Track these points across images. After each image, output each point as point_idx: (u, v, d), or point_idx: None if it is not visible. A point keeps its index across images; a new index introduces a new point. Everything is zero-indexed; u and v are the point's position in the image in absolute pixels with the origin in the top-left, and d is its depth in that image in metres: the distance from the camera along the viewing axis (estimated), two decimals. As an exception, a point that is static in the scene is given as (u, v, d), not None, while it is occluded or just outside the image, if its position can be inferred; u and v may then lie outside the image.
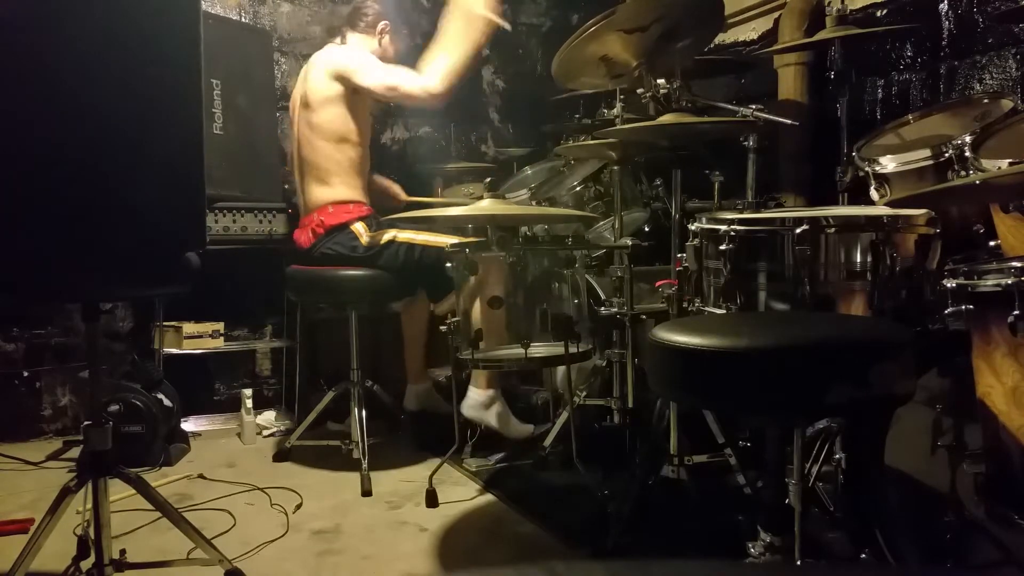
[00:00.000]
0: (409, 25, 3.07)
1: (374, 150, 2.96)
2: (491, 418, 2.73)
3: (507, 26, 2.74)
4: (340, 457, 2.69)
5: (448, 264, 2.36)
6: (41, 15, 1.42)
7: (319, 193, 2.78)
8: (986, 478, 1.55)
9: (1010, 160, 1.80)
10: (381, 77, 2.71)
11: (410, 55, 2.89)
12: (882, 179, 2.05)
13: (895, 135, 2.25)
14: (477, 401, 2.71)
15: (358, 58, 2.76)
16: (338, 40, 2.92)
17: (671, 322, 1.48)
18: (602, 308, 2.42)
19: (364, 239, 2.72)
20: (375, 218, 2.79)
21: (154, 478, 2.60)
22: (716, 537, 1.93)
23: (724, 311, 1.71)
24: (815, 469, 1.68)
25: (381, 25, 2.92)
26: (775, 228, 1.63)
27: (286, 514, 2.32)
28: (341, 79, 2.73)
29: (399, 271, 2.72)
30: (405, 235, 2.71)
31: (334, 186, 2.77)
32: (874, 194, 2.07)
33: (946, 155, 1.91)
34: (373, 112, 2.96)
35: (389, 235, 2.72)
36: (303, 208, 2.86)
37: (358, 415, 2.71)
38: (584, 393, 2.61)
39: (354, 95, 2.75)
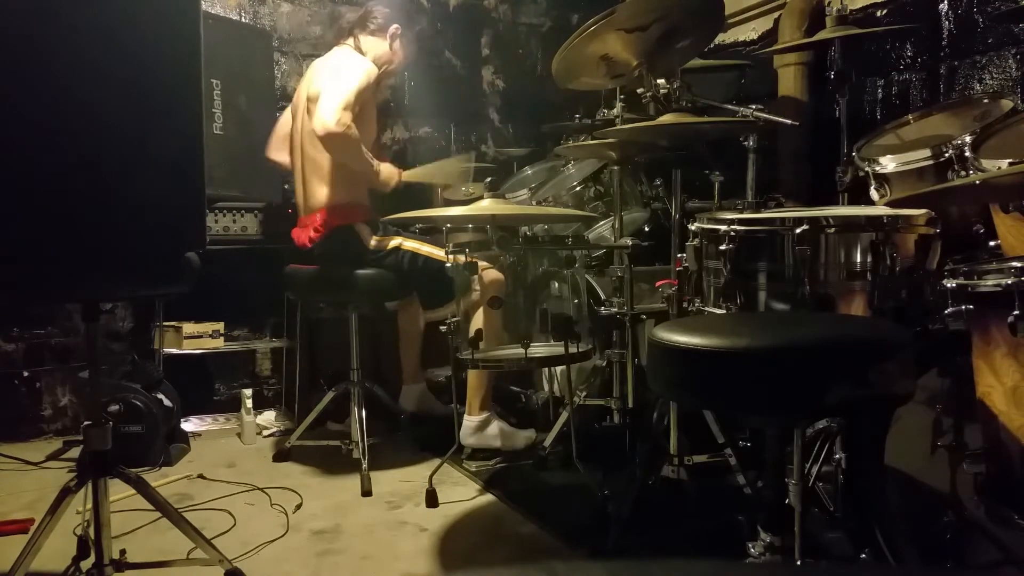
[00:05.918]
0: (412, 29, 3.04)
1: (375, 150, 2.95)
2: (492, 440, 2.74)
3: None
4: (340, 457, 2.69)
5: (448, 265, 2.35)
6: (41, 15, 1.42)
7: (322, 193, 2.75)
8: (986, 478, 1.55)
9: (1010, 160, 1.80)
10: (321, 114, 2.51)
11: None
12: (882, 179, 2.05)
13: (895, 135, 2.25)
14: (473, 427, 2.72)
15: (331, 83, 2.60)
16: (350, 43, 2.87)
17: (671, 322, 1.48)
18: (602, 308, 2.42)
19: (371, 242, 2.73)
20: (376, 221, 2.79)
21: (154, 478, 2.60)
22: (716, 537, 1.93)
23: (724, 311, 1.71)
24: (815, 469, 1.68)
25: (392, 29, 2.90)
26: (775, 228, 1.63)
27: (286, 514, 2.32)
28: None
29: (402, 274, 2.74)
30: (411, 244, 2.74)
31: (337, 186, 2.75)
32: (874, 194, 2.07)
33: (946, 155, 1.91)
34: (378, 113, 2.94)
35: (395, 242, 2.75)
36: (303, 207, 2.83)
37: (358, 415, 2.71)
38: (584, 393, 2.61)
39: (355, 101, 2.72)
